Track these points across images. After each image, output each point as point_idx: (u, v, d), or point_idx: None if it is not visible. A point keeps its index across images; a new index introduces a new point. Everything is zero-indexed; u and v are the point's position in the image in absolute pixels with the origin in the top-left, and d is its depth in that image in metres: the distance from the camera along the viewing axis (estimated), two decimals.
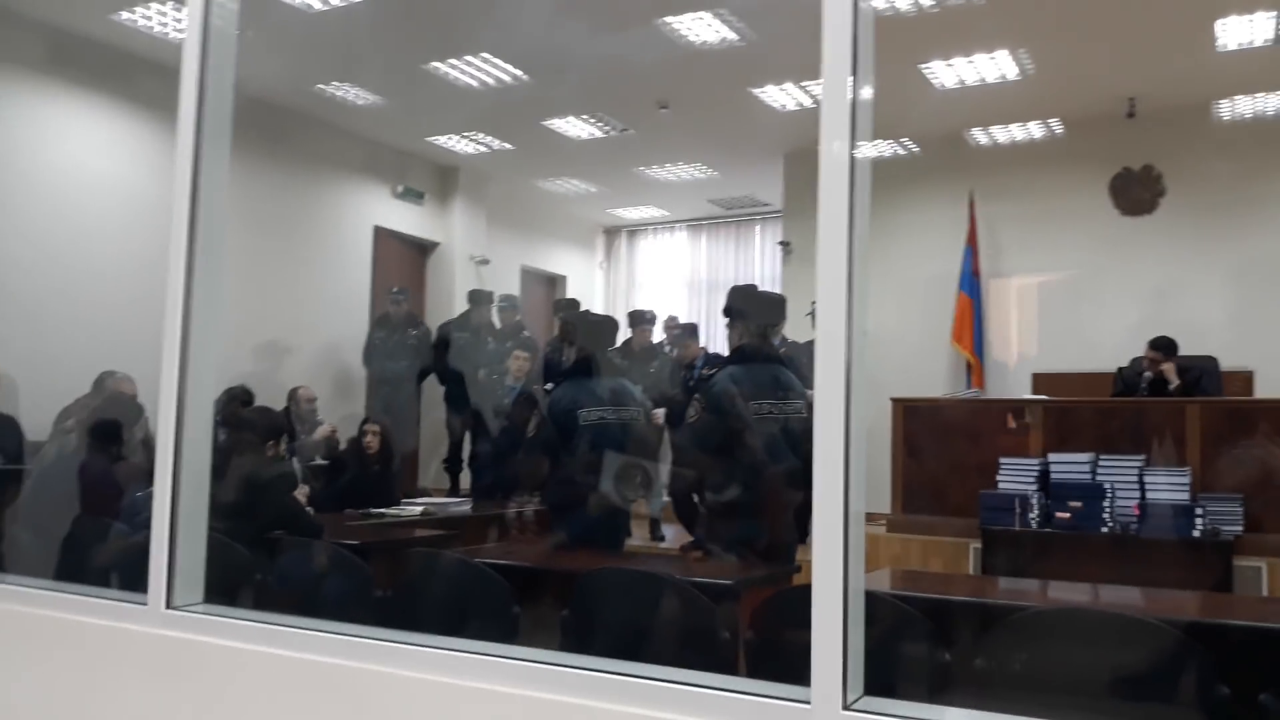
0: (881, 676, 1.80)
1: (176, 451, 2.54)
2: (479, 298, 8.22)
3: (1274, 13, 5.90)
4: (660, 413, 5.81)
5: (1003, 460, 5.86)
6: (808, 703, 1.73)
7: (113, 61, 6.83)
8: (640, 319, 7.02)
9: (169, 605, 2.50)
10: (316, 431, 6.58)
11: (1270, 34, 6.15)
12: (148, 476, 2.61)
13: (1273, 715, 2.30)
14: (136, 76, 6.66)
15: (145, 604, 2.52)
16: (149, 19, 6.51)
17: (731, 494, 3.90)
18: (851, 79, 1.82)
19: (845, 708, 1.71)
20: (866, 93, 1.84)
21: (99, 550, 3.92)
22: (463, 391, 7.69)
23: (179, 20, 2.67)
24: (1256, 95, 7.20)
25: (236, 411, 4.91)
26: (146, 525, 2.56)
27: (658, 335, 7.54)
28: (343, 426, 6.67)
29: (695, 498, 4.16)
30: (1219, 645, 2.59)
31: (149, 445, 2.62)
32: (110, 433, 4.78)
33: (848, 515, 1.75)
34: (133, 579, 2.63)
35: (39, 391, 5.76)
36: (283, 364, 7.46)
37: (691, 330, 6.71)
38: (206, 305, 2.59)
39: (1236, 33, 6.16)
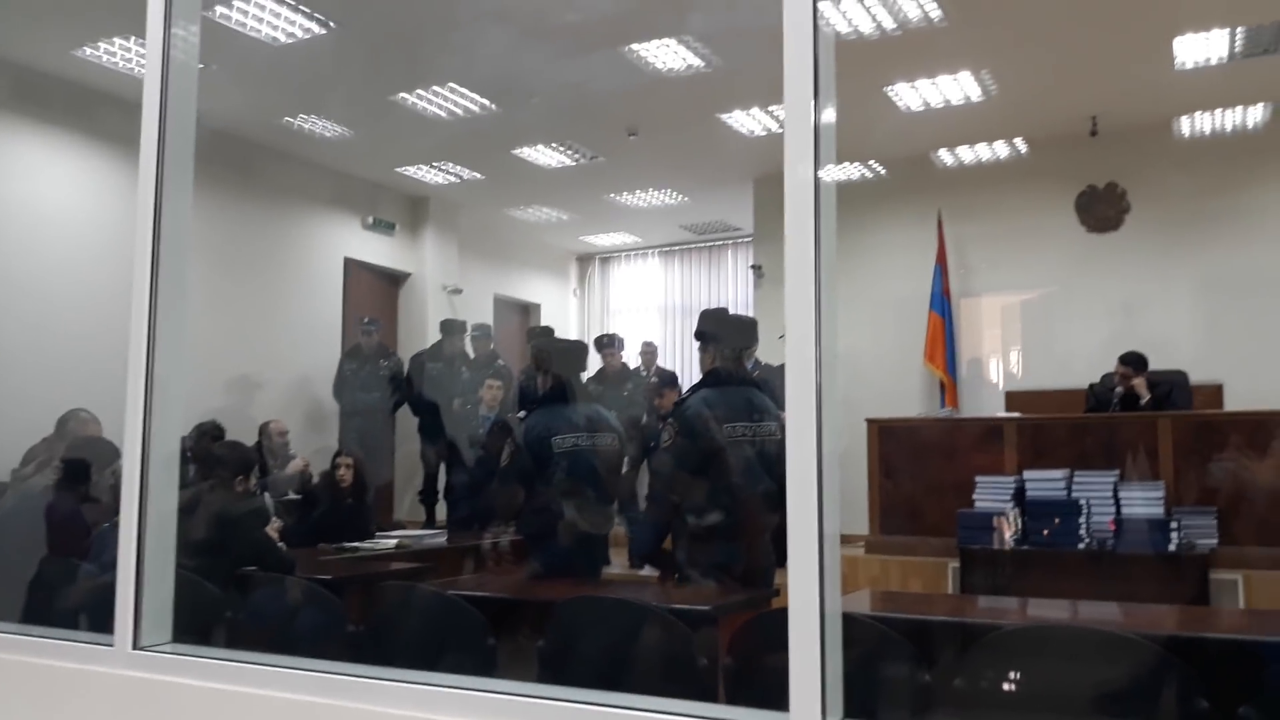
0: (862, 699, 1.78)
1: (142, 488, 2.49)
2: (451, 327, 8.18)
3: (1228, 30, 6.01)
4: (627, 460, 5.73)
5: (979, 478, 5.89)
6: None
7: (75, 97, 6.79)
8: (601, 344, 7.02)
9: (136, 645, 2.44)
10: (289, 465, 6.52)
11: (1225, 51, 6.26)
12: (116, 514, 2.56)
13: None
14: (99, 111, 6.62)
15: (111, 645, 2.47)
16: (112, 54, 6.48)
17: (708, 518, 3.88)
18: (814, 103, 1.82)
19: None
20: (829, 116, 1.85)
21: (67, 592, 3.84)
22: (437, 422, 7.64)
23: (141, 55, 2.64)
24: (1215, 111, 7.33)
25: (206, 447, 4.85)
26: (113, 562, 2.51)
27: (633, 360, 7.53)
28: (315, 460, 6.61)
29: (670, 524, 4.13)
30: (1198, 659, 2.59)
31: (119, 487, 2.56)
32: (79, 473, 4.70)
33: (822, 537, 1.74)
34: (102, 620, 2.57)
35: (2, 429, 5.67)
36: (254, 398, 7.39)
37: (670, 380, 6.66)
38: (171, 339, 2.55)
39: (1194, 50, 6.26)
